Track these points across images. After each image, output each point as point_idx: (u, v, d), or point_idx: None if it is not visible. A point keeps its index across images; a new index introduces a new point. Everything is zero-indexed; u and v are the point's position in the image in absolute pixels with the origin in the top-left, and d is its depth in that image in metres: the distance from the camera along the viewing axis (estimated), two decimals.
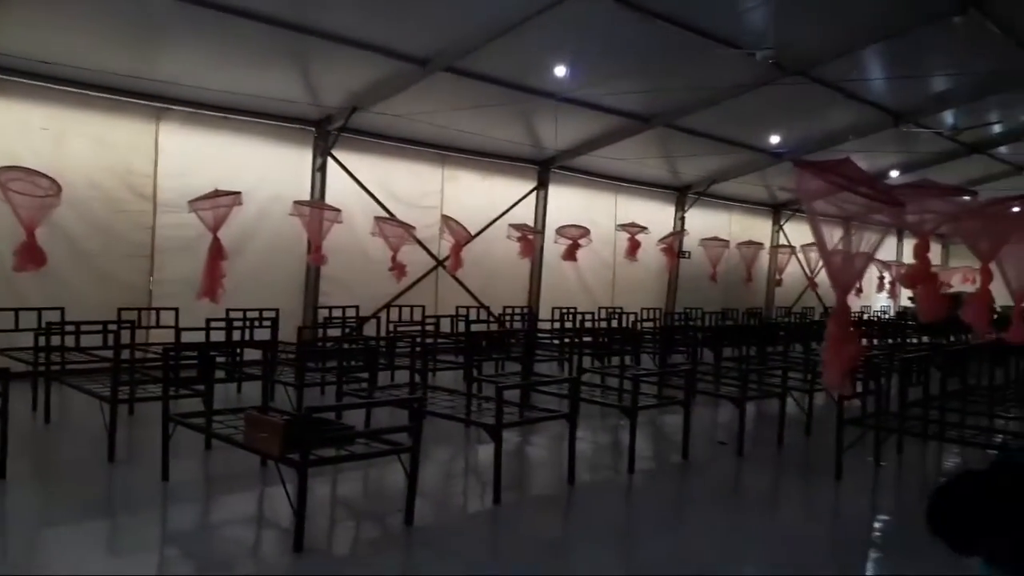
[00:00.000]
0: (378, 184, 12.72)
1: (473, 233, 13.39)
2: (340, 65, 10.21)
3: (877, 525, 5.94)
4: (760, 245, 19.08)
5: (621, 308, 14.37)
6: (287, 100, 11.06)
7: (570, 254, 14.38)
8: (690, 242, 17.73)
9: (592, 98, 12.22)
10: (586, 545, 5.11)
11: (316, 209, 11.27)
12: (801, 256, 19.09)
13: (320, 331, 10.71)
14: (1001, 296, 9.10)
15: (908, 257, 16.61)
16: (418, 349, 8.70)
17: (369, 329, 11.72)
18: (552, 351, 11.27)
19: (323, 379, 8.19)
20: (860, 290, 19.27)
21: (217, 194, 9.69)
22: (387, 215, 12.45)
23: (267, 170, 11.51)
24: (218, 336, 8.83)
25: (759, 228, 20.23)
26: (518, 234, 13.71)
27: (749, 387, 8.15)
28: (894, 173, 17.46)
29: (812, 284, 19.46)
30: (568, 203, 15.38)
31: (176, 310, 9.55)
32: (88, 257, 9.99)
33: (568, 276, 15.46)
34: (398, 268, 11.97)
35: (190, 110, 10.72)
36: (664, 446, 8.11)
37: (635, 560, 4.92)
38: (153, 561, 4.60)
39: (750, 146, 15.37)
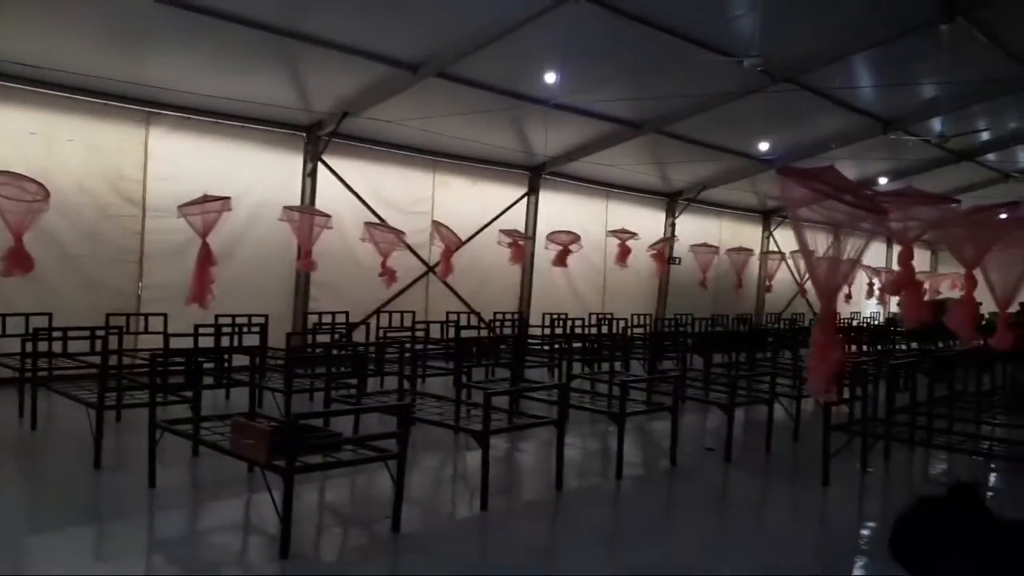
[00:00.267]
0: (369, 189, 12.73)
1: (464, 239, 13.40)
2: (330, 70, 10.22)
3: (864, 532, 5.97)
4: (750, 251, 19.16)
5: (612, 314, 14.40)
6: (278, 105, 11.07)
7: (560, 260, 14.40)
8: (680, 248, 17.79)
9: (583, 104, 12.26)
10: (573, 550, 5.12)
11: (306, 215, 11.25)
12: (791, 262, 19.18)
13: (310, 337, 10.69)
14: (989, 303, 9.18)
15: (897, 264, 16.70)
16: (407, 355, 8.70)
17: (360, 335, 11.71)
18: (542, 357, 11.29)
19: (312, 385, 8.18)
20: (849, 296, 19.41)
21: (206, 199, 9.68)
22: (377, 221, 12.45)
23: (257, 175, 11.50)
24: (207, 342, 8.81)
25: (749, 234, 20.31)
26: (509, 240, 13.73)
27: (738, 393, 8.18)
28: (883, 180, 17.58)
29: (802, 290, 19.55)
30: (559, 209, 15.41)
31: (165, 315, 9.52)
32: (76, 262, 9.95)
33: (559, 282, 15.49)
34: (388, 274, 11.96)
35: (180, 115, 10.71)
36: (653, 452, 8.13)
37: (622, 565, 4.93)
38: (139, 567, 4.58)
39: (740, 152, 15.45)
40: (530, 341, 12.12)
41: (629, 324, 14.12)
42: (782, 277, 20.04)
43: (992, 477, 7.72)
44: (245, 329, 9.64)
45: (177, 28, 8.58)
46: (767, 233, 21.04)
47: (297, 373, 8.11)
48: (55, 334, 8.24)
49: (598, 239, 16.03)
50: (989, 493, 7.49)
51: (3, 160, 8.94)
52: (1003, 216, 8.11)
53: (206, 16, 8.28)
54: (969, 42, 11.23)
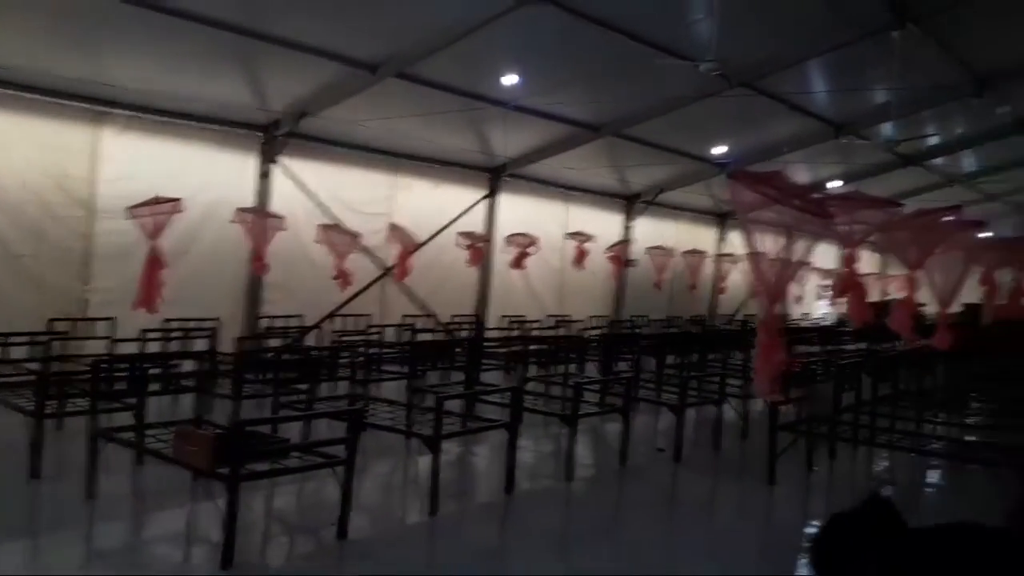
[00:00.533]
0: (327, 191, 12.60)
1: (422, 241, 13.35)
2: (288, 70, 10.10)
3: (808, 531, 6.09)
4: (705, 253, 19.38)
5: (569, 316, 14.47)
6: (233, 104, 10.91)
7: (518, 262, 14.42)
8: (638, 250, 17.94)
9: (543, 106, 12.30)
10: (522, 553, 5.16)
11: (259, 216, 11.11)
12: (744, 264, 19.47)
13: (261, 341, 10.56)
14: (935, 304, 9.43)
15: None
16: (360, 359, 8.64)
17: (315, 339, 11.60)
18: (499, 360, 11.31)
19: (262, 391, 8.08)
20: (800, 298, 19.79)
21: (157, 201, 9.50)
22: (334, 222, 12.34)
23: (211, 175, 11.31)
24: (156, 347, 8.65)
25: (704, 236, 20.57)
26: (467, 242, 13.71)
27: (689, 394, 8.29)
28: (835, 183, 17.93)
29: (755, 292, 19.84)
30: (518, 211, 15.43)
31: (113, 319, 9.31)
32: (20, 264, 9.68)
33: (517, 284, 15.52)
34: (343, 276, 11.85)
35: (132, 114, 10.47)
36: (605, 453, 8.19)
37: (571, 567, 4.97)
38: None
39: (696, 156, 15.63)
40: (487, 344, 12.13)
41: (586, 326, 14.21)
42: (736, 279, 20.34)
43: (932, 474, 7.93)
44: (195, 333, 9.48)
45: (130, 25, 8.40)
46: (722, 236, 21.33)
47: (247, 378, 8.00)
48: None
49: (557, 241, 16.09)
50: (928, 489, 7.72)
51: None
52: (945, 220, 8.37)
53: (160, 13, 8.13)
54: (920, 49, 11.52)
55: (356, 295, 12.88)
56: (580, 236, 15.71)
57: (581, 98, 12.05)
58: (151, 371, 6.73)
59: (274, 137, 11.84)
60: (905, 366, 10.22)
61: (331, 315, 12.30)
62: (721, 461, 7.89)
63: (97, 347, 8.83)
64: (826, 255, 15.50)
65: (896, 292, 20.55)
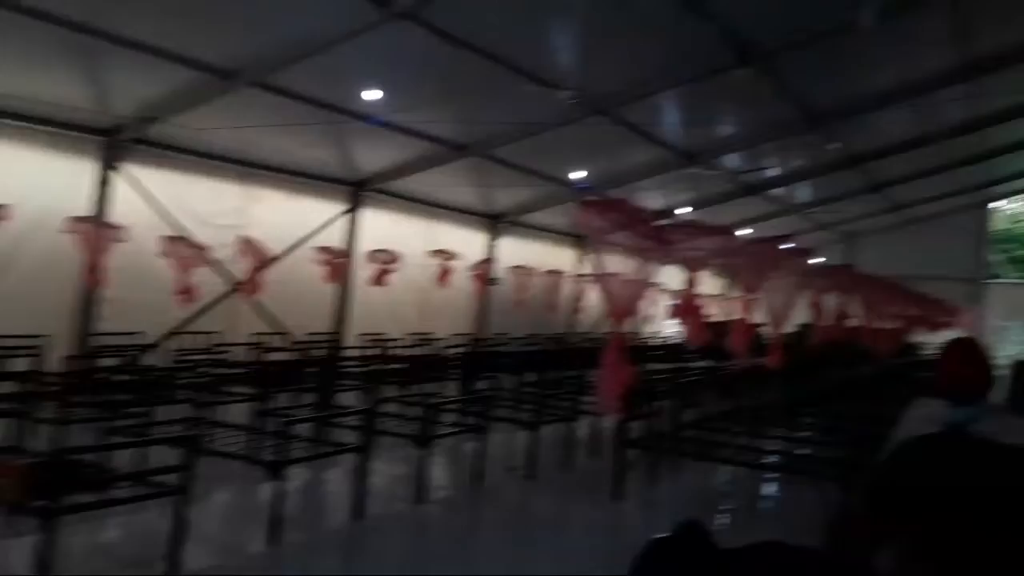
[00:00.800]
0: (174, 201, 11.91)
1: (276, 255, 12.89)
2: (134, 72, 9.49)
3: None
4: (565, 273, 19.92)
5: (432, 334, 14.41)
6: (70, 106, 10.12)
7: (379, 279, 14.22)
8: (501, 269, 18.18)
9: (408, 123, 12.25)
10: None
11: (94, 226, 10.35)
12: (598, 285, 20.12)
13: (94, 360, 9.80)
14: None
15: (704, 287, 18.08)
16: (203, 380, 8.21)
17: (156, 359, 10.89)
18: (356, 380, 11.06)
19: (92, 415, 7.48)
20: (650, 317, 20.70)
21: None
22: (179, 234, 11.69)
23: (42, 181, 10.43)
24: None
25: (565, 257, 21.13)
26: (324, 257, 13.38)
27: (545, 411, 8.45)
28: (685, 209, 18.97)
29: (605, 311, 20.57)
30: (381, 227, 15.24)
31: None
32: None
33: (378, 302, 15.24)
34: (186, 292, 11.20)
35: None
36: (459, 474, 8.18)
37: None
38: None
39: (557, 179, 16.06)
40: (344, 363, 11.84)
41: (448, 345, 14.20)
42: (594, 298, 20.97)
43: (768, 487, 8.47)
44: (19, 351, 8.69)
45: None
46: (581, 256, 22.00)
47: (76, 401, 7.39)
48: None
49: (420, 258, 16.01)
50: (764, 503, 8.24)
51: None
52: (777, 248, 9.03)
53: None
54: (759, 87, 12.44)
55: (202, 311, 12.23)
56: (444, 254, 15.72)
57: (447, 117, 12.12)
58: None
59: (116, 143, 11.10)
60: (744, 383, 10.87)
61: (173, 333, 11.60)
62: (572, 478, 8.07)
63: None
64: (677, 276, 16.32)
65: (736, 313, 21.97)
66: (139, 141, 11.04)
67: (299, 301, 13.72)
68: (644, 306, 19.58)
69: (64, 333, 10.36)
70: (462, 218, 17.63)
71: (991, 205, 28.94)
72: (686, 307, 7.69)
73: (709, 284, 18.56)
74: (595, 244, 6.63)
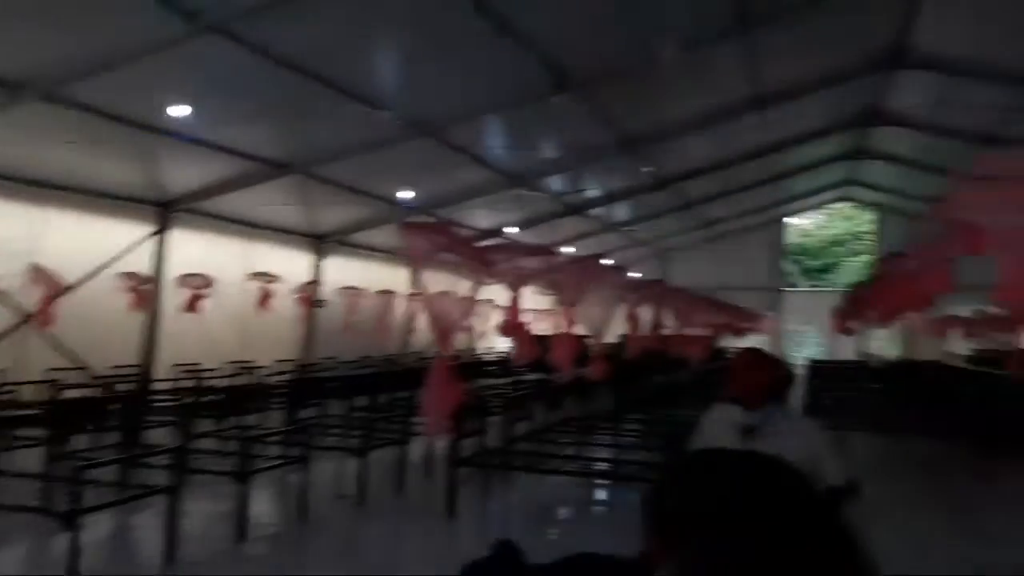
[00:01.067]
0: None
1: (76, 282, 11.74)
2: None
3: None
4: (397, 294, 19.74)
5: (253, 362, 13.70)
6: None
7: (191, 306, 13.33)
8: (329, 291, 17.68)
9: (224, 141, 11.65)
10: None
11: None
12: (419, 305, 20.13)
13: None
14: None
15: (531, 303, 18.55)
16: None
17: None
18: (167, 415, 10.27)
19: None
20: (482, 333, 21.02)
21: None
22: None
23: None
24: None
25: (396, 277, 20.94)
26: (129, 284, 12.36)
27: (375, 436, 8.26)
28: (513, 229, 19.43)
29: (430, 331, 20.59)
30: (194, 249, 14.29)
31: None
32: None
33: (192, 330, 14.22)
34: None
35: None
36: (284, 508, 7.80)
37: None
38: None
39: (386, 199, 15.90)
40: (154, 398, 10.96)
41: (272, 372, 13.56)
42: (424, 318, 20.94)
43: (597, 494, 8.75)
44: None
45: None
46: (413, 276, 21.89)
47: None
48: None
49: (239, 282, 15.20)
50: (598, 508, 8.50)
51: None
52: (595, 264, 9.44)
53: None
54: (575, 114, 13.01)
55: None
56: (265, 276, 15.03)
57: (265, 134, 11.66)
58: None
59: None
60: (572, 394, 11.24)
61: None
62: (404, 501, 7.94)
63: None
64: (506, 294, 16.63)
65: (561, 328, 22.77)
66: None
67: (101, 332, 12.51)
68: (474, 324, 19.91)
69: None
70: (285, 238, 16.96)
71: (785, 220, 32.03)
72: (512, 324, 7.83)
73: (537, 300, 19.12)
74: (417, 265, 6.59)
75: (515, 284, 7.61)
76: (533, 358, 8.66)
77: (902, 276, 8.16)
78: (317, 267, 17.73)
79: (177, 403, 10.51)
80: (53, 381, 10.11)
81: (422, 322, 20.95)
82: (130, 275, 12.49)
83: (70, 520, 4.95)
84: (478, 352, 22.48)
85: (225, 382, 12.32)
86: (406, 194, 15.68)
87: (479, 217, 18.29)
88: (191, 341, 14.08)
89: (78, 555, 4.93)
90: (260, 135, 11.52)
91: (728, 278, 28.72)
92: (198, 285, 13.34)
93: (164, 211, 13.82)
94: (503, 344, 24.60)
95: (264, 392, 11.29)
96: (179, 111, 10.14)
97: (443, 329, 6.27)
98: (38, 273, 11.14)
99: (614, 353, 12.92)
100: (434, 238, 6.23)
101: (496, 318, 21.02)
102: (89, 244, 12.52)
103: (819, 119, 17.40)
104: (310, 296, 16.60)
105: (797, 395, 14.19)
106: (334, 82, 10.32)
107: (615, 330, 15.31)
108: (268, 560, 6.22)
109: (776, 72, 13.45)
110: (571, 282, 8.48)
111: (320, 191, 14.52)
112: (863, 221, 37.25)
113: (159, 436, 9.47)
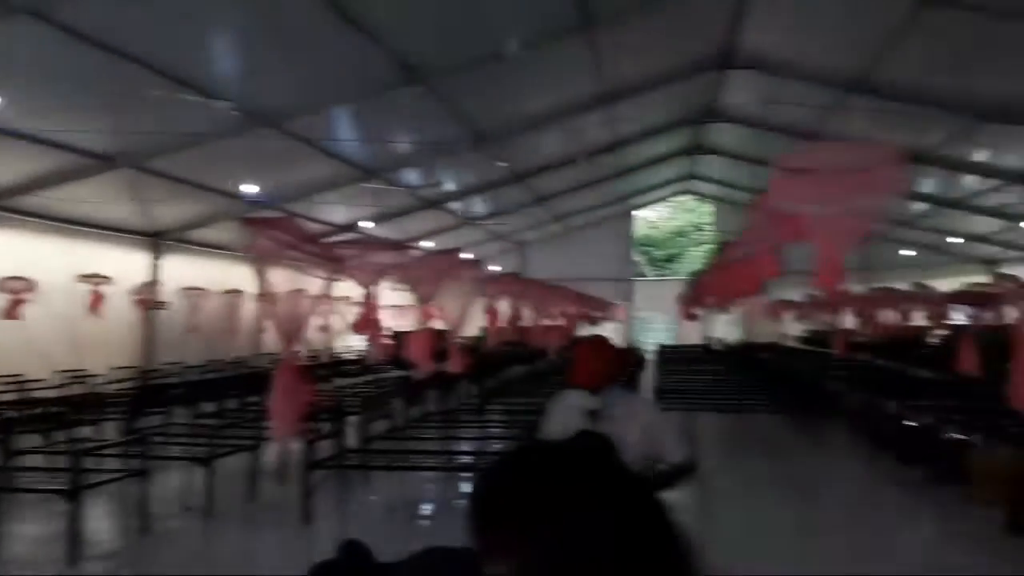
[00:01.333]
0: None
1: None
2: None
3: None
4: (244, 293, 18.89)
5: (85, 371, 12.67)
6: None
7: (11, 311, 12.14)
8: (170, 292, 16.65)
9: (39, 132, 10.68)
10: None
11: None
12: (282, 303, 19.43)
13: None
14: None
15: (389, 300, 18.25)
16: None
17: None
18: None
19: None
20: (338, 332, 20.56)
21: None
22: None
23: None
24: None
25: (244, 275, 20.01)
26: None
27: (223, 443, 7.87)
28: (368, 223, 19.10)
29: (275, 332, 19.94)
30: (12, 251, 13.02)
31: None
32: None
33: (13, 338, 12.94)
34: None
35: None
36: (124, 524, 7.27)
37: None
38: None
39: (228, 193, 15.16)
40: None
41: (109, 380, 12.61)
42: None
43: (462, 488, 8.76)
44: None
45: None
46: (260, 274, 21.01)
47: None
48: None
49: (67, 285, 13.99)
50: (458, 502, 8.50)
51: None
52: (451, 258, 9.44)
53: None
54: (430, 107, 12.96)
55: None
56: (95, 278, 13.92)
57: (87, 125, 10.78)
58: None
59: None
60: (432, 389, 11.19)
61: None
62: (257, 509, 7.61)
63: None
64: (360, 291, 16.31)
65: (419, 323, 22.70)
66: None
67: None
68: (330, 322, 19.41)
69: None
70: (119, 237, 15.79)
71: (634, 213, 33.48)
72: (366, 321, 7.68)
73: (395, 296, 18.90)
74: (263, 263, 6.32)
75: (368, 281, 7.46)
76: (390, 355, 8.54)
77: (735, 263, 8.73)
78: (155, 266, 16.61)
79: None
80: None
81: (271, 322, 20.24)
82: None
83: None
84: (336, 351, 21.94)
85: (54, 393, 11.31)
86: (250, 188, 15.00)
87: (332, 212, 17.83)
88: (14, 350, 12.75)
89: None
90: (82, 126, 10.65)
91: (582, 269, 29.71)
92: (19, 289, 12.15)
93: None
94: (360, 342, 24.19)
95: (99, 402, 10.46)
96: None
97: (288, 329, 6.04)
98: None
99: (474, 346, 13.00)
100: (278, 234, 5.99)
101: (352, 316, 20.64)
102: None
103: (661, 116, 18.32)
104: (148, 298, 15.54)
105: (647, 378, 14.87)
106: (164, 70, 9.76)
107: (475, 323, 15.45)
108: None
109: (619, 70, 14.01)
110: (427, 277, 8.43)
111: (154, 186, 13.63)
112: (703, 212, 39.64)
113: None
